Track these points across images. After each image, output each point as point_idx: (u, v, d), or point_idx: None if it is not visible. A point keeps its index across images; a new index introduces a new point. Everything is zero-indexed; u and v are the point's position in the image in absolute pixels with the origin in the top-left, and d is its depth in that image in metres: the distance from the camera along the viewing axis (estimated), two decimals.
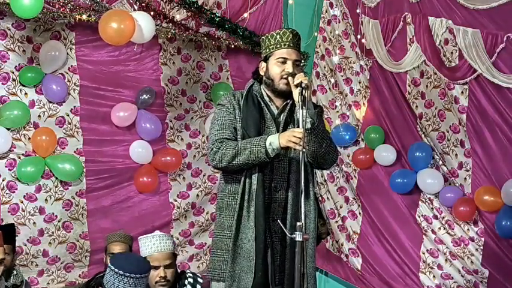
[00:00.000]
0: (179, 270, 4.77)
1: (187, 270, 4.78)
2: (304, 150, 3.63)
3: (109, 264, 4.11)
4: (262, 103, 4.02)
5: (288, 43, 3.96)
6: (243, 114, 3.98)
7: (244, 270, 3.83)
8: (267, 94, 4.05)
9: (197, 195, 6.84)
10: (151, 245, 4.52)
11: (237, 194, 3.91)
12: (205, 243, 6.87)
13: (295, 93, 3.78)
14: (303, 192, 3.53)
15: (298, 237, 3.44)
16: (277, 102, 4.04)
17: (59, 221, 6.11)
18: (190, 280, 4.66)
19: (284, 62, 3.94)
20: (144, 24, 5.70)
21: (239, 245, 3.86)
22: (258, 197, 3.84)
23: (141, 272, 4.09)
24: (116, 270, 4.04)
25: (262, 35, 6.59)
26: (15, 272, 5.13)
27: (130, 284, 4.02)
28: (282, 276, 3.91)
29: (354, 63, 7.10)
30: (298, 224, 3.46)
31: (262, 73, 4.06)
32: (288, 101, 3.98)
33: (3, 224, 5.46)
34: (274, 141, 3.79)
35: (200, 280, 4.70)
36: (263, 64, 4.05)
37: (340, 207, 7.18)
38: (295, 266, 3.46)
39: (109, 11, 5.71)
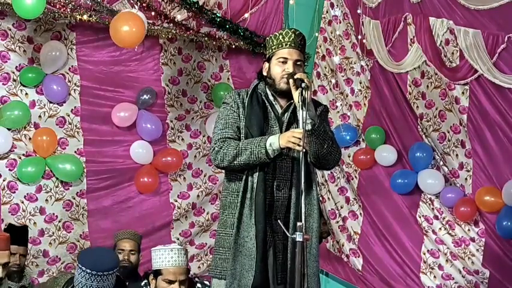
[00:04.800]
0: None
1: (195, 279, 4.74)
2: (304, 150, 3.63)
3: (77, 264, 4.04)
4: (266, 102, 4.01)
5: (289, 43, 3.95)
6: (247, 113, 3.97)
7: (246, 268, 3.81)
8: (271, 93, 4.04)
9: (198, 195, 6.83)
10: (169, 258, 4.40)
11: (239, 192, 3.91)
12: (206, 244, 6.87)
13: (295, 94, 3.78)
14: (304, 192, 3.52)
15: (298, 237, 3.44)
16: (282, 102, 4.03)
17: (59, 221, 6.11)
18: (199, 285, 4.65)
19: (285, 62, 3.94)
20: None
21: (241, 243, 3.85)
22: (258, 195, 3.83)
23: (106, 269, 4.00)
24: (81, 267, 3.98)
25: (263, 36, 6.70)
26: (23, 273, 5.16)
27: (99, 280, 3.96)
28: (284, 275, 3.90)
29: (354, 63, 7.10)
30: (299, 224, 3.45)
31: (265, 73, 4.05)
32: (292, 101, 3.96)
33: (18, 225, 5.46)
34: (274, 142, 3.79)
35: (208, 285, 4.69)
36: (266, 64, 4.05)
37: (341, 207, 7.18)
38: (298, 266, 3.45)
39: (119, 14, 5.64)
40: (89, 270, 3.93)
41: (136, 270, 5.45)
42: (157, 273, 4.43)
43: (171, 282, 4.37)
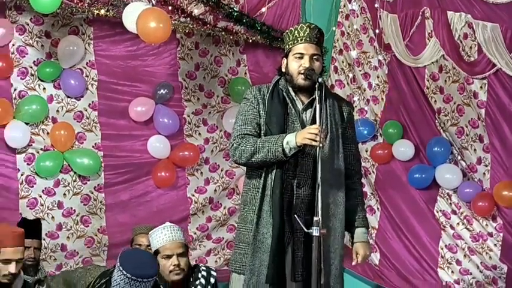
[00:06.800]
0: (192, 264, 4.78)
1: (202, 267, 4.78)
2: (320, 146, 3.61)
3: (118, 265, 3.95)
4: (287, 98, 3.98)
5: (305, 38, 3.93)
6: (267, 110, 3.95)
7: (264, 264, 3.81)
8: (292, 89, 4.02)
9: (215, 190, 6.83)
10: (163, 236, 4.53)
11: (259, 188, 3.90)
12: (223, 238, 6.87)
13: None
14: (320, 187, 3.54)
15: (315, 232, 3.43)
16: (303, 98, 4.01)
17: (77, 216, 6.14)
18: (204, 273, 4.66)
19: (301, 57, 3.91)
20: None
21: (260, 239, 3.85)
22: (274, 192, 3.83)
23: (146, 276, 3.94)
24: (125, 273, 3.90)
25: (280, 30, 6.68)
26: (39, 267, 5.18)
27: (137, 286, 3.88)
28: (304, 272, 3.87)
29: (372, 57, 7.06)
30: (315, 218, 3.45)
31: (283, 69, 4.04)
32: (314, 96, 3.89)
33: (31, 219, 5.46)
34: (291, 140, 3.76)
35: (214, 273, 4.69)
36: (284, 60, 4.04)
37: None
38: (314, 262, 3.46)
39: (144, 10, 5.54)
40: (129, 275, 3.85)
41: None
42: (156, 253, 4.53)
43: (168, 257, 4.47)
